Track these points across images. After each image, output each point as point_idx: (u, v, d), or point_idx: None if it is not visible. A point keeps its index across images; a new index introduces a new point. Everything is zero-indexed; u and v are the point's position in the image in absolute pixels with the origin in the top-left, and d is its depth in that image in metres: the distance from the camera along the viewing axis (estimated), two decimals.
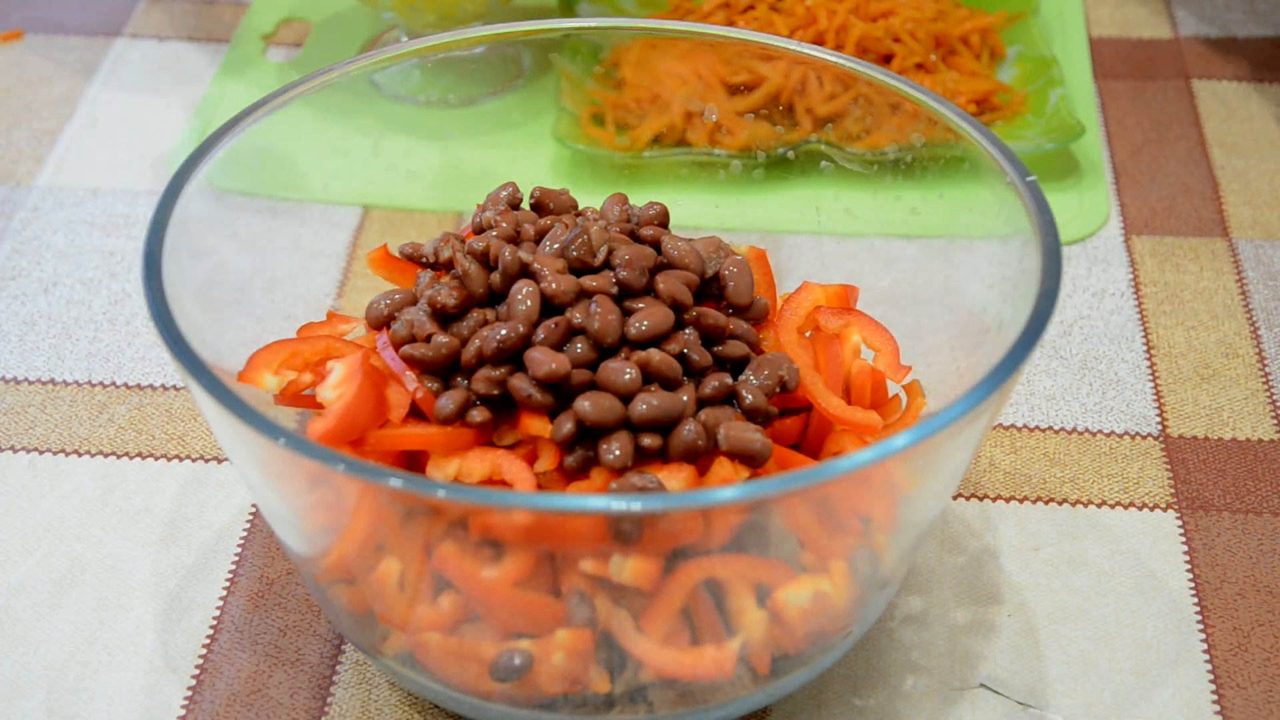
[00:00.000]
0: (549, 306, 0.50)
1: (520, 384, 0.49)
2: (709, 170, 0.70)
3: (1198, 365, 0.66)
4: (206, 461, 0.62)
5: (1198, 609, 0.57)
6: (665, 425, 0.49)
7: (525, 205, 0.57)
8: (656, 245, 0.53)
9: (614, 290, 0.51)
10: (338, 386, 0.51)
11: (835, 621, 0.50)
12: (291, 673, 0.54)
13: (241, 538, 0.59)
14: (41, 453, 0.62)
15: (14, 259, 0.71)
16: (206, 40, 0.85)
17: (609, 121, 0.74)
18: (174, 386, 0.65)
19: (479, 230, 0.55)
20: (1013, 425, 0.63)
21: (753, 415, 0.50)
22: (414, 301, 0.54)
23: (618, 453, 0.48)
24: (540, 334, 0.50)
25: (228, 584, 0.57)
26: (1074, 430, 0.63)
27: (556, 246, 0.52)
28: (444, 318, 0.52)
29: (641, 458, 0.49)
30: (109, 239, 0.72)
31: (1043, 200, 0.51)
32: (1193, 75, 0.83)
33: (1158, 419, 0.64)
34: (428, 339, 0.51)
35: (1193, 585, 0.57)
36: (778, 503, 0.47)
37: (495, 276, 0.52)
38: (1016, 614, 0.57)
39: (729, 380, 0.50)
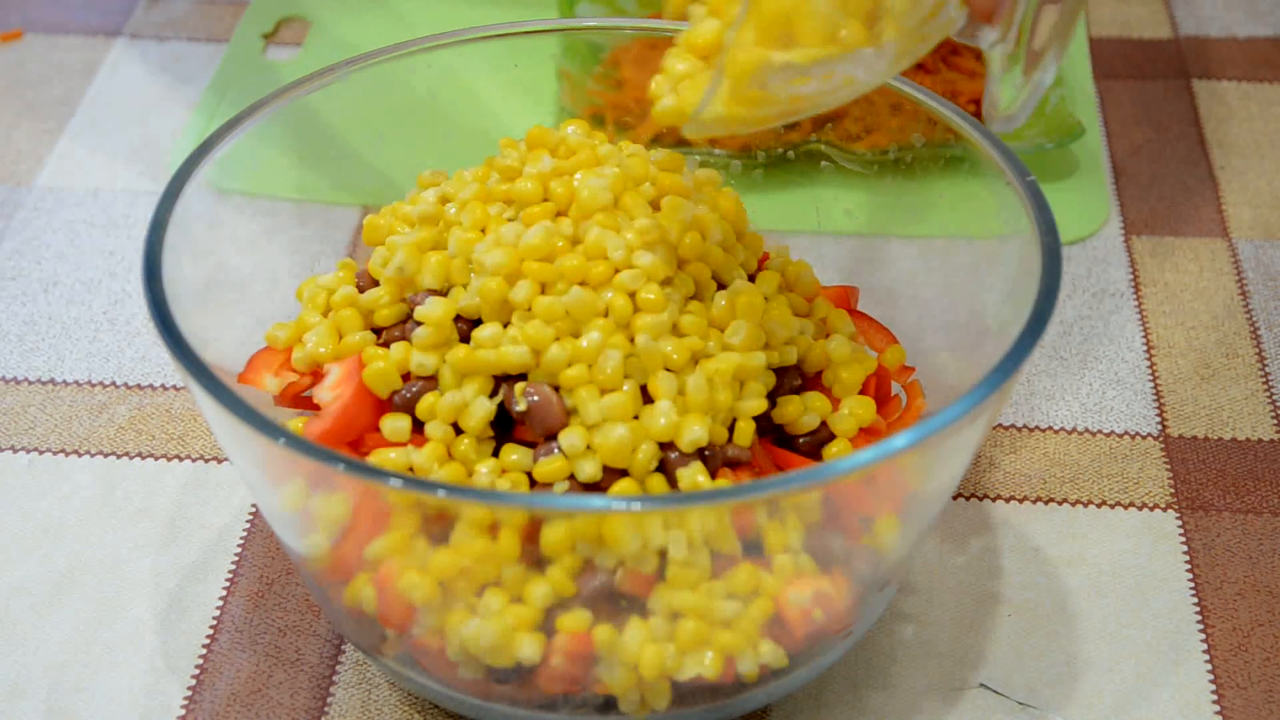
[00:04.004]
0: None
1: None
2: (707, 170, 0.70)
3: (1198, 365, 0.66)
4: (206, 461, 0.62)
5: (1198, 609, 0.57)
6: None
7: None
8: None
9: None
10: (335, 388, 0.51)
11: (835, 621, 0.50)
12: (291, 673, 0.54)
13: (241, 538, 0.59)
14: (41, 453, 0.62)
15: (14, 259, 0.71)
16: (206, 40, 0.85)
17: (609, 121, 0.74)
18: (174, 386, 0.65)
19: None
20: (1013, 425, 0.63)
21: None
22: None
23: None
24: None
25: (228, 584, 0.57)
26: (1074, 430, 0.63)
27: None
28: None
29: None
30: (109, 239, 0.72)
31: (1043, 200, 0.51)
32: (1193, 75, 0.83)
33: (1158, 419, 0.64)
34: None
35: (1193, 585, 0.57)
36: (778, 502, 0.47)
37: None
38: (1016, 614, 0.57)
39: None
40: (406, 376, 0.51)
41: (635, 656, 0.47)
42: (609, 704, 0.49)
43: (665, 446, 0.49)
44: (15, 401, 0.64)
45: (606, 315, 0.50)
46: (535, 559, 0.46)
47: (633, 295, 0.50)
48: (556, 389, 0.49)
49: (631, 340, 0.50)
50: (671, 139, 0.72)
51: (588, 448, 0.48)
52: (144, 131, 0.79)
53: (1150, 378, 0.66)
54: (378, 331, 0.53)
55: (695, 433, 0.49)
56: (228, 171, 0.54)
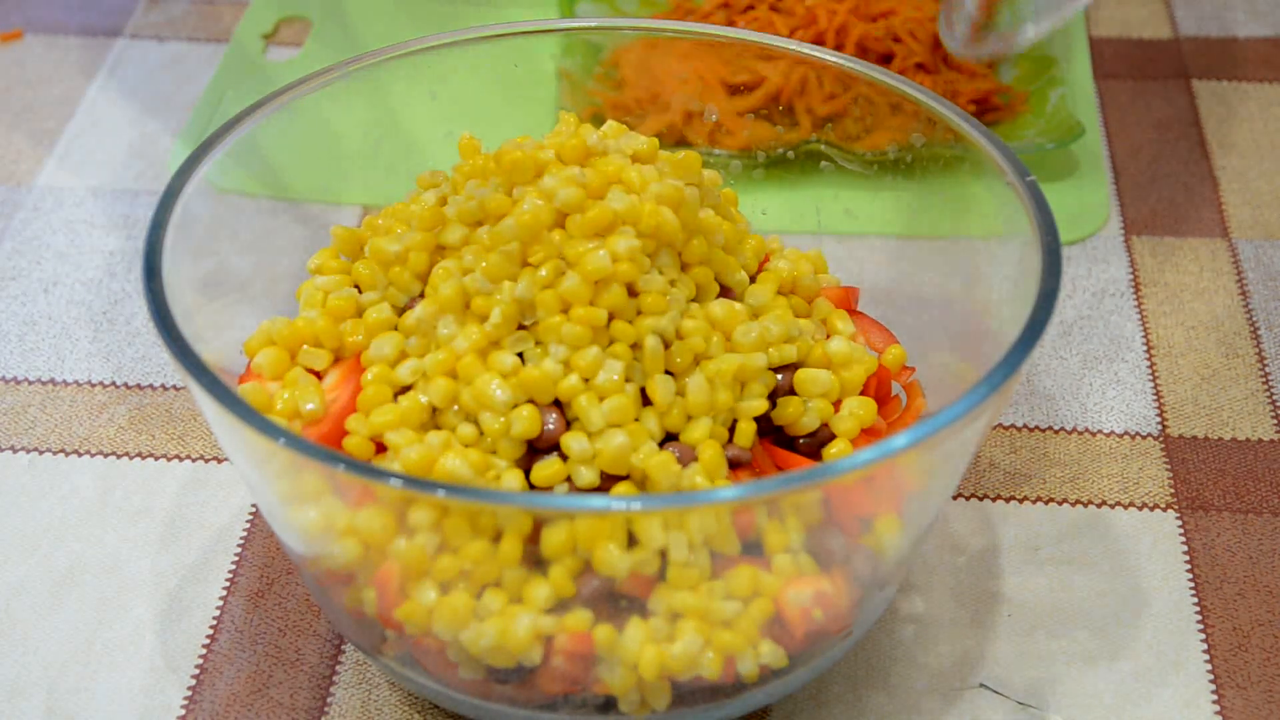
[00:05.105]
0: None
1: None
2: (709, 170, 0.70)
3: (1198, 365, 0.66)
4: (206, 461, 0.62)
5: (1198, 609, 0.57)
6: None
7: None
8: None
9: None
10: (333, 389, 0.51)
11: (835, 621, 0.50)
12: (291, 673, 0.54)
13: (241, 538, 0.59)
14: (41, 453, 0.62)
15: (14, 259, 0.71)
16: (206, 40, 0.85)
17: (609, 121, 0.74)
18: (174, 386, 0.65)
19: None
20: (1013, 425, 0.63)
21: None
22: None
23: None
24: None
25: (228, 584, 0.57)
26: (1074, 430, 0.63)
27: None
28: None
29: None
30: (109, 239, 0.72)
31: (1043, 200, 0.51)
32: (1193, 75, 0.83)
33: (1158, 419, 0.64)
34: None
35: (1193, 585, 0.58)
36: (777, 502, 0.47)
37: None
38: (1016, 614, 0.57)
39: None
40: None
41: (635, 656, 0.47)
42: (609, 704, 0.49)
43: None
44: (15, 401, 0.64)
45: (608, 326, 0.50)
46: (536, 560, 0.46)
47: (634, 295, 0.50)
48: (557, 402, 0.49)
49: (634, 346, 0.50)
50: (672, 139, 0.73)
51: (593, 456, 0.48)
52: (144, 131, 0.79)
53: (1150, 378, 0.66)
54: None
55: (697, 434, 0.49)
56: (227, 171, 0.54)
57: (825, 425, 0.52)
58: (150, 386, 0.65)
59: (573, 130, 0.54)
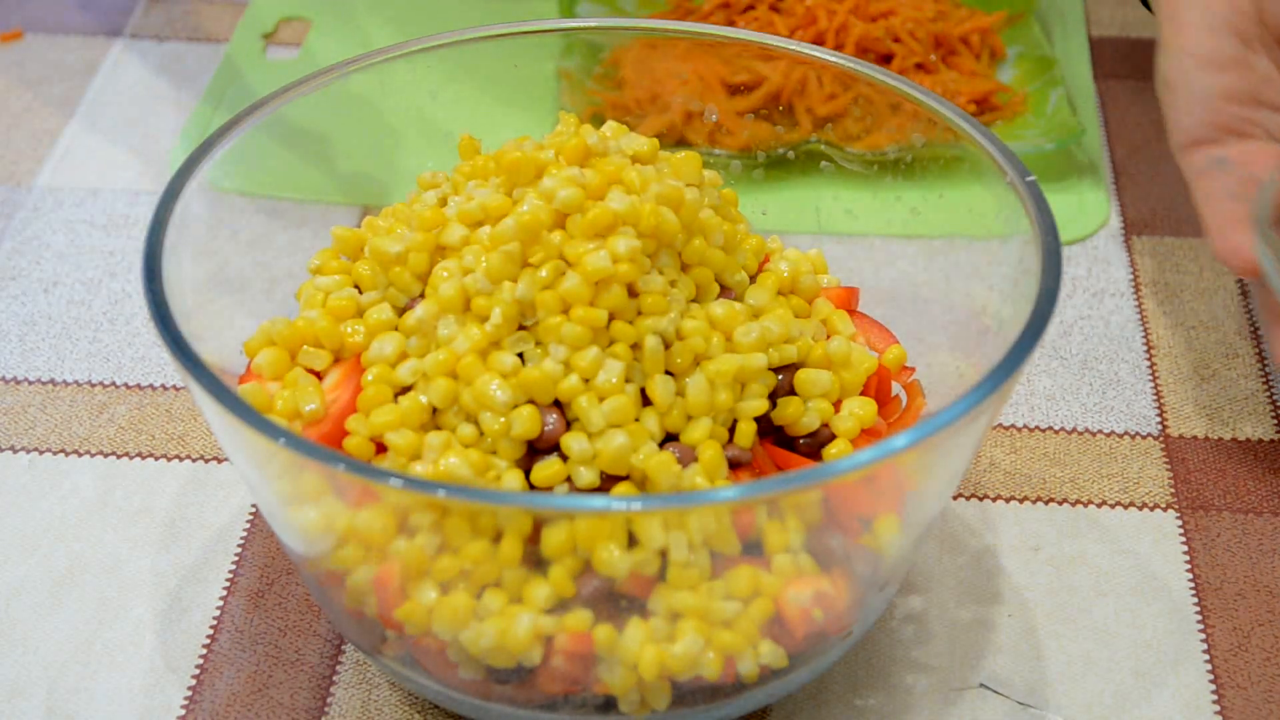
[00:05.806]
0: None
1: None
2: (709, 170, 0.70)
3: (1198, 365, 0.66)
4: (206, 461, 0.62)
5: (1198, 609, 0.57)
6: None
7: None
8: None
9: None
10: (333, 389, 0.51)
11: (835, 622, 0.50)
12: (291, 673, 0.54)
13: (241, 538, 0.59)
14: (41, 453, 0.62)
15: (14, 259, 0.71)
16: (206, 40, 0.85)
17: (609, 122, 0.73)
18: (174, 386, 0.65)
19: None
20: (1013, 425, 0.63)
21: None
22: None
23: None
24: None
25: (228, 584, 0.57)
26: (1074, 430, 0.63)
27: None
28: None
29: None
30: (109, 239, 0.72)
31: (1043, 200, 0.51)
32: None
33: (1158, 419, 0.64)
34: None
35: (1193, 585, 0.58)
36: (778, 502, 0.47)
37: None
38: (1016, 614, 0.57)
39: None
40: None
41: (635, 656, 0.47)
42: (609, 704, 0.49)
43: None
44: (15, 401, 0.64)
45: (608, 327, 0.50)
46: (536, 560, 0.46)
47: (635, 296, 0.50)
48: (557, 403, 0.49)
49: (634, 347, 0.50)
50: (672, 139, 0.73)
51: (593, 456, 0.48)
52: (144, 131, 0.79)
53: (1150, 378, 0.66)
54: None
55: (696, 434, 0.49)
56: (227, 171, 0.54)
57: (825, 425, 0.52)
58: (150, 386, 0.65)
59: (573, 130, 0.54)
